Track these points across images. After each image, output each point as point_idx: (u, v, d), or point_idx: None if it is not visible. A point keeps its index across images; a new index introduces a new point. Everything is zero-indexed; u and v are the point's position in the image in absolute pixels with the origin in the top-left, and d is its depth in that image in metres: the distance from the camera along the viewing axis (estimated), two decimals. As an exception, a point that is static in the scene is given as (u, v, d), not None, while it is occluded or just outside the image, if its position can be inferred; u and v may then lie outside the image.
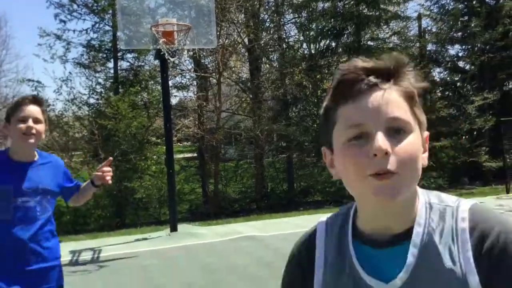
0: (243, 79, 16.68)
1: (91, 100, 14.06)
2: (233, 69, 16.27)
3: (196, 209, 14.67)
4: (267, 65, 16.93)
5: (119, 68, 14.51)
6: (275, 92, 15.61)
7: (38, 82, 13.54)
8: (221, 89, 15.67)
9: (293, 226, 9.49)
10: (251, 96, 15.97)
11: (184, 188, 15.50)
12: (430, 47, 17.16)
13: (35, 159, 2.51)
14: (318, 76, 15.84)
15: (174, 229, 9.23)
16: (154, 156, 13.57)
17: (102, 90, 14.14)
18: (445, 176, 14.89)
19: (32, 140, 2.38)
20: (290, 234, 8.81)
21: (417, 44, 16.52)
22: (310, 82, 15.51)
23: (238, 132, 16.42)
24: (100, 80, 14.29)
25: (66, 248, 7.78)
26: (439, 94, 17.60)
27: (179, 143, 17.89)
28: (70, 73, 13.91)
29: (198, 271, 6.54)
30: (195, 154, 19.10)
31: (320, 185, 15.45)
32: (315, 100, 15.98)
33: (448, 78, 17.51)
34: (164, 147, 10.64)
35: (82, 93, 13.97)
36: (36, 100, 2.45)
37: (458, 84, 17.29)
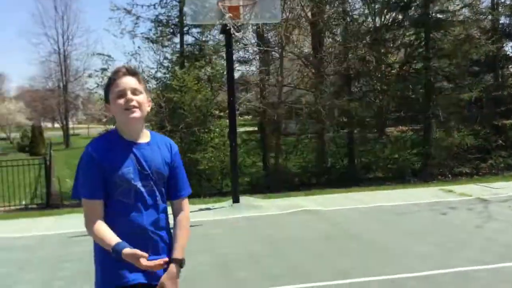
0: (305, 53, 16.57)
1: (159, 74, 14.50)
2: (296, 43, 16.17)
3: (257, 182, 14.90)
4: (330, 39, 16.70)
5: (185, 42, 14.83)
6: (338, 67, 15.40)
7: (108, 56, 14.04)
8: (283, 63, 15.67)
9: (354, 202, 9.51)
10: (313, 70, 15.86)
11: (245, 161, 15.76)
12: (503, 20, 16.26)
13: (148, 139, 2.25)
14: (382, 50, 15.47)
15: (236, 200, 9.48)
16: (217, 129, 13.85)
17: (169, 64, 14.52)
18: (515, 156, 14.29)
19: (136, 114, 2.13)
20: (351, 209, 8.85)
21: (489, 17, 15.72)
22: (374, 57, 15.18)
23: (299, 107, 16.39)
24: (167, 55, 14.69)
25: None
26: (511, 70, 16.77)
27: (239, 117, 18.12)
28: (139, 47, 14.37)
29: (260, 242, 6.73)
30: (256, 128, 19.30)
31: (382, 161, 15.25)
32: (379, 75, 15.66)
33: (522, 53, 16.60)
34: (227, 120, 10.85)
35: (150, 67, 14.43)
36: (130, 70, 2.20)
37: (533, 59, 16.36)
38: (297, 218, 8.23)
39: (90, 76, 14.75)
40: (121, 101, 2.12)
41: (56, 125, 61.14)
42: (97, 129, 58.24)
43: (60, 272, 5.74)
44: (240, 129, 16.72)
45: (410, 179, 13.64)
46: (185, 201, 2.38)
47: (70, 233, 7.74)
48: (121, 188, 2.13)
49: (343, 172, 15.28)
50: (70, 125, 55.80)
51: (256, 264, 5.72)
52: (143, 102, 2.16)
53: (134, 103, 2.11)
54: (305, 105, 15.96)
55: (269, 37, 16.55)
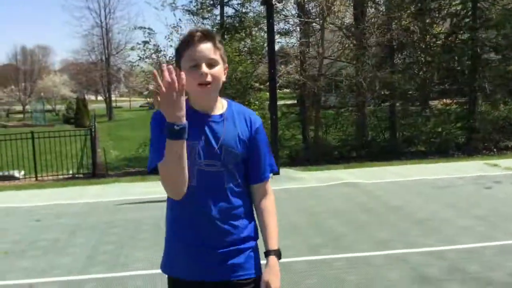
0: (347, 24, 16.27)
1: (200, 47, 14.55)
2: (337, 14, 15.88)
3: (296, 155, 14.94)
4: (373, 9, 16.33)
5: (225, 14, 14.82)
6: (380, 38, 15.09)
7: (150, 29, 14.17)
8: (324, 35, 15.45)
9: (395, 175, 9.43)
10: (354, 42, 15.59)
11: (285, 134, 15.79)
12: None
13: (222, 111, 1.91)
14: (427, 21, 15.04)
15: (276, 172, 9.54)
16: (257, 102, 13.89)
17: (209, 37, 14.57)
18: None
19: (209, 90, 1.82)
20: (391, 182, 8.79)
21: (542, -16, 14.98)
22: (419, 27, 14.78)
23: (340, 80, 16.20)
24: (207, 27, 14.71)
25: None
26: None
27: (279, 90, 18.09)
28: (180, 19, 14.45)
29: (301, 213, 6.80)
30: (296, 101, 19.22)
31: (424, 135, 15.00)
32: (423, 46, 15.26)
33: None
34: (267, 93, 10.85)
35: (191, 39, 14.47)
36: (207, 34, 1.85)
37: None
38: (337, 191, 8.25)
39: (132, 49, 14.97)
40: (194, 74, 1.79)
41: (100, 97, 62.61)
42: (138, 102, 59.37)
43: (108, 237, 5.99)
44: (280, 102, 16.72)
45: (454, 153, 13.39)
46: (269, 184, 2.03)
47: (116, 201, 8.03)
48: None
49: (384, 145, 15.12)
50: (113, 97, 56.99)
51: (298, 234, 5.80)
52: (218, 75, 1.83)
53: (208, 78, 1.79)
54: (345, 77, 15.77)
55: (310, 8, 16.32)
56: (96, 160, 14.33)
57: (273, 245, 1.96)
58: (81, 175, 13.45)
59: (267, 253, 1.96)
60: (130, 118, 46.01)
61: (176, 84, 1.56)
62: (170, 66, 1.56)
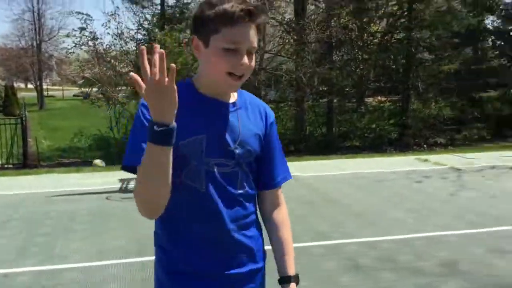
0: (287, 19, 16.44)
1: (139, 36, 14.23)
2: (278, 9, 16.02)
3: (235, 148, 14.94)
4: (313, 6, 16.60)
5: (165, 4, 14.57)
6: (320, 34, 15.37)
7: (87, 14, 13.66)
8: (266, 29, 15.54)
9: (332, 168, 9.68)
10: (295, 37, 15.79)
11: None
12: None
13: (234, 99, 1.54)
14: (365, 19, 15.48)
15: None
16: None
17: (149, 26, 14.26)
18: (489, 128, 14.67)
19: (238, 82, 1.44)
20: (329, 175, 9.02)
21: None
22: (357, 25, 15.19)
23: (280, 74, 16.37)
24: (147, 16, 14.42)
25: (118, 176, 8.23)
26: (491, 44, 17.00)
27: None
28: (117, 7, 14.03)
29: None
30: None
31: (359, 131, 15.47)
32: (361, 44, 15.70)
33: (501, 27, 16.83)
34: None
35: (130, 28, 14.13)
36: (255, 13, 1.44)
37: (512, 33, 16.61)
38: (276, 183, 8.34)
39: (68, 35, 14.36)
40: (228, 59, 1.40)
41: (30, 85, 59.83)
42: (72, 91, 57.29)
43: (41, 229, 5.76)
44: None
45: (387, 148, 13.90)
46: (281, 191, 1.69)
47: (50, 193, 7.73)
48: (189, 166, 1.44)
49: (321, 140, 15.46)
50: (44, 86, 54.60)
51: (237, 225, 5.82)
52: (252, 68, 1.46)
53: (243, 70, 1.43)
54: (285, 72, 15.94)
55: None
56: (27, 150, 13.70)
57: (293, 269, 1.57)
58: (10, 166, 12.81)
59: (286, 280, 1.55)
60: (62, 107, 44.31)
61: (166, 79, 1.18)
62: (162, 52, 1.17)
